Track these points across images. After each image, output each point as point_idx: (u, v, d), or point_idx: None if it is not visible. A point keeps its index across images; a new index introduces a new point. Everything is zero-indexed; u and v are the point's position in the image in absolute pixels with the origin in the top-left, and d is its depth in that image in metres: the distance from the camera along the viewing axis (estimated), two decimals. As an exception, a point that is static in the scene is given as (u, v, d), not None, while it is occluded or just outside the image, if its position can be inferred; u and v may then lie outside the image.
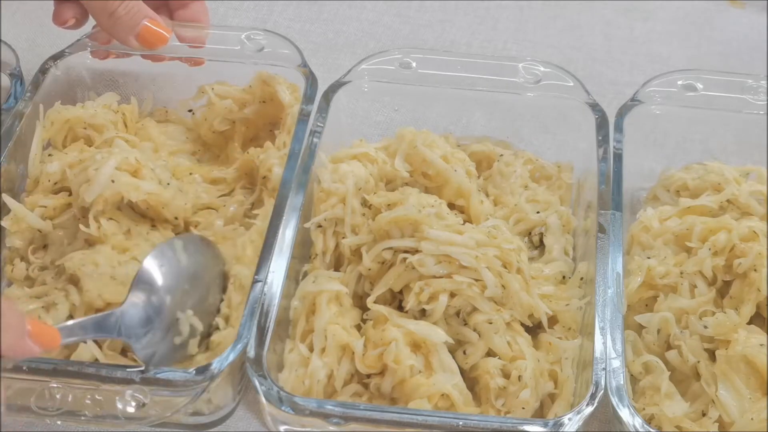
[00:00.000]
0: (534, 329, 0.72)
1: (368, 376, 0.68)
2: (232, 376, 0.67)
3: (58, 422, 0.64)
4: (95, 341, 0.68)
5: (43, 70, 0.83)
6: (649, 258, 0.73)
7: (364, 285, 0.73)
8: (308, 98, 0.81)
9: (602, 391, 0.62)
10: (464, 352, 0.69)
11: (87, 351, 0.67)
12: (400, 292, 0.71)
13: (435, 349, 0.67)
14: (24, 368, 0.62)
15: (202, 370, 0.62)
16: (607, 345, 0.65)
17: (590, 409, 0.61)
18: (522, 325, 0.71)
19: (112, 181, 0.71)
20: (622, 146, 0.78)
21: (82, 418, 0.63)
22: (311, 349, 0.68)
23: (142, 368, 0.62)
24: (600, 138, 0.78)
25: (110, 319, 0.63)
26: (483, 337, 0.69)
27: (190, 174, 0.82)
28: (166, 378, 0.61)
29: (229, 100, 0.85)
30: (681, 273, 0.71)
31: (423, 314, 0.69)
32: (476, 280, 0.68)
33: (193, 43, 0.84)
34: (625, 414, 0.61)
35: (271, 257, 0.69)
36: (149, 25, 0.80)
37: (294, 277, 0.72)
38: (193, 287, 0.70)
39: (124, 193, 0.72)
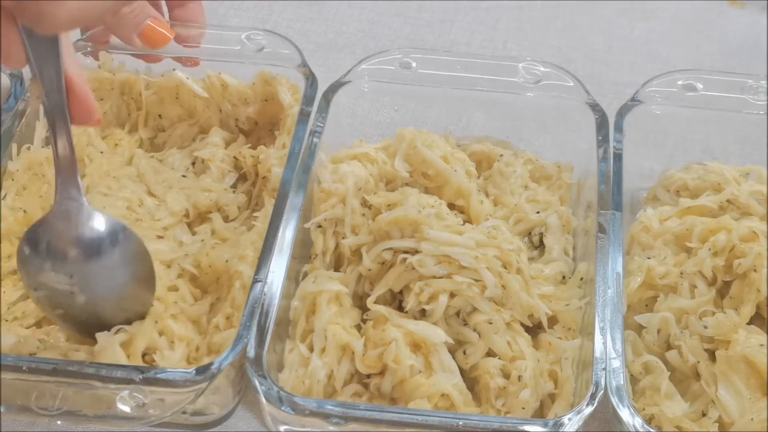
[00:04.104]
0: (534, 329, 0.72)
1: (368, 376, 0.68)
2: (232, 376, 0.67)
3: (58, 422, 0.64)
4: None
5: (43, 70, 0.83)
6: (649, 258, 0.73)
7: (364, 285, 0.73)
8: (308, 98, 0.81)
9: (602, 391, 0.62)
10: (464, 352, 0.69)
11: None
12: (400, 292, 0.71)
13: (435, 349, 0.67)
14: (24, 368, 0.62)
15: (202, 370, 0.62)
16: (607, 345, 0.65)
17: (590, 409, 0.61)
18: (522, 325, 0.71)
19: None
20: (622, 146, 0.78)
21: (82, 418, 0.63)
22: (311, 349, 0.68)
23: (142, 368, 0.62)
24: (600, 138, 0.78)
25: None
26: (483, 337, 0.69)
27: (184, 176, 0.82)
28: (166, 378, 0.61)
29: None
30: (681, 273, 0.71)
31: (423, 314, 0.69)
32: (476, 280, 0.68)
33: (191, 44, 0.84)
34: (625, 414, 0.61)
35: (271, 257, 0.69)
36: (152, 24, 0.80)
37: (294, 277, 0.72)
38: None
39: None
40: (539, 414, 0.68)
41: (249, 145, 0.83)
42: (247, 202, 0.81)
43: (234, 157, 0.82)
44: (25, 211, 0.75)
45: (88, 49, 0.85)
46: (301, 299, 0.71)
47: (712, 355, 0.68)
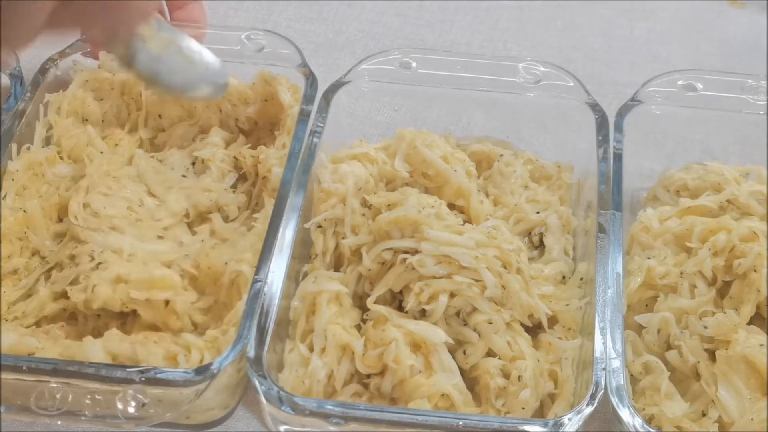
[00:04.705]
0: (534, 329, 0.72)
1: (368, 376, 0.68)
2: (232, 376, 0.67)
3: (58, 422, 0.64)
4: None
5: (43, 70, 0.83)
6: (649, 258, 0.73)
7: (364, 285, 0.73)
8: (308, 98, 0.81)
9: (602, 391, 0.62)
10: (464, 352, 0.69)
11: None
12: (400, 292, 0.71)
13: (435, 349, 0.67)
14: (24, 368, 0.62)
15: (202, 370, 0.62)
16: (607, 345, 0.65)
17: (590, 409, 0.61)
18: (522, 325, 0.71)
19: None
20: (622, 146, 0.78)
21: (82, 418, 0.63)
22: (311, 349, 0.68)
23: (142, 368, 0.62)
24: (600, 138, 0.78)
25: None
26: (483, 337, 0.69)
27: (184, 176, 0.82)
28: (166, 378, 0.61)
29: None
30: (681, 273, 0.71)
31: (423, 314, 0.69)
32: (476, 280, 0.68)
33: None
34: (625, 414, 0.61)
35: (271, 257, 0.69)
36: None
37: (294, 277, 0.72)
38: None
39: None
40: (539, 414, 0.68)
41: (249, 145, 0.83)
42: (247, 202, 0.81)
43: (234, 157, 0.82)
44: (24, 211, 0.75)
45: (88, 49, 0.85)
46: (301, 299, 0.71)
47: (712, 355, 0.68)
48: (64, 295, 0.72)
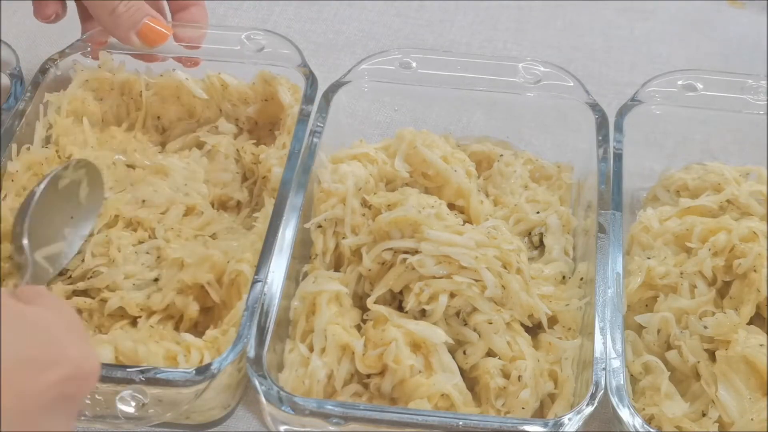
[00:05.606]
0: (534, 329, 0.72)
1: (368, 376, 0.68)
2: (232, 376, 0.67)
3: (58, 422, 0.64)
4: None
5: (43, 70, 0.83)
6: (649, 258, 0.73)
7: (364, 285, 0.73)
8: (308, 98, 0.81)
9: (602, 391, 0.62)
10: (464, 352, 0.69)
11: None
12: (400, 292, 0.71)
13: (435, 349, 0.67)
14: (24, 368, 0.62)
15: (202, 370, 0.62)
16: (607, 345, 0.65)
17: (590, 409, 0.61)
18: (522, 325, 0.71)
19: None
20: (622, 146, 0.78)
21: (82, 418, 0.63)
22: (311, 349, 0.68)
23: (142, 368, 0.62)
24: (600, 138, 0.78)
25: None
26: (483, 338, 0.69)
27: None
28: (166, 378, 0.61)
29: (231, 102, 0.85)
30: (681, 273, 0.71)
31: (423, 314, 0.69)
32: (476, 280, 0.68)
33: (191, 44, 0.84)
34: (625, 414, 0.61)
35: (271, 257, 0.69)
36: (150, 23, 0.80)
37: (294, 277, 0.72)
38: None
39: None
40: (539, 414, 0.68)
41: (254, 141, 0.83)
42: (249, 200, 0.81)
43: (237, 150, 0.82)
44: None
45: (88, 49, 0.85)
46: (301, 299, 0.71)
47: (712, 355, 0.68)
48: (77, 293, 0.72)
